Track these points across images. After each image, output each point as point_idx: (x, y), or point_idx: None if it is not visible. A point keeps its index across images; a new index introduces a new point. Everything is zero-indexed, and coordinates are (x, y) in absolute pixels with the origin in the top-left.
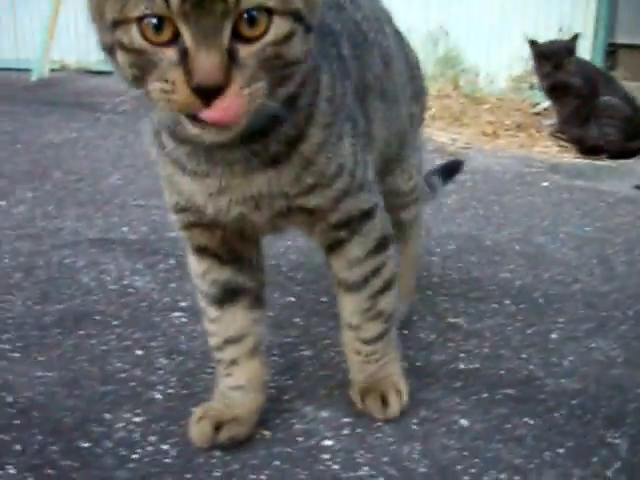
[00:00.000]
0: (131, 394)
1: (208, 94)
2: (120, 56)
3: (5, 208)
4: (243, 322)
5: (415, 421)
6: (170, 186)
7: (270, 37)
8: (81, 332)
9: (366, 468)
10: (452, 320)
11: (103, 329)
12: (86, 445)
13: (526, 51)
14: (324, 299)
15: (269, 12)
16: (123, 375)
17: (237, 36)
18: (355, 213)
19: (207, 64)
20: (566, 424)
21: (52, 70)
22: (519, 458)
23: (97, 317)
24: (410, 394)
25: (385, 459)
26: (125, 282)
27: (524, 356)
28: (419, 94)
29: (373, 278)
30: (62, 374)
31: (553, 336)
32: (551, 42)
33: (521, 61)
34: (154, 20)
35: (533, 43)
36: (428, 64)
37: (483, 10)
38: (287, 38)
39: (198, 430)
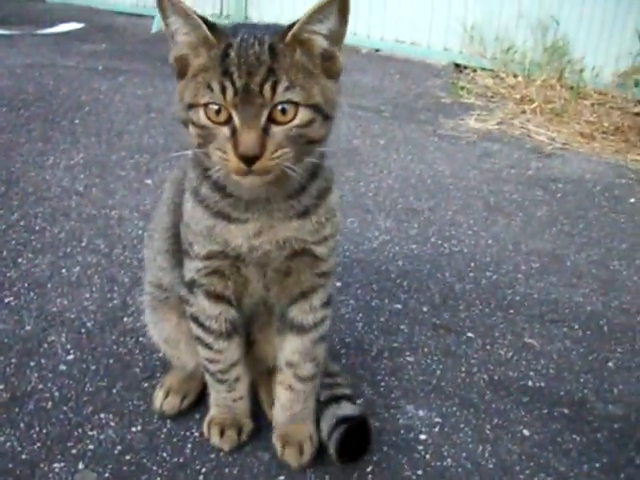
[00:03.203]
0: None
1: (249, 160)
2: (191, 128)
3: (152, 188)
4: (239, 348)
5: (489, 427)
6: (206, 237)
7: (296, 122)
8: None
9: (449, 460)
10: (528, 340)
11: None
12: None
13: (635, 47)
14: (425, 309)
15: (296, 104)
16: None
17: (272, 120)
18: (331, 267)
19: (248, 140)
20: (605, 443)
21: None
22: (563, 466)
23: None
24: (488, 403)
25: (464, 454)
26: None
27: (582, 380)
28: None
29: (320, 325)
30: None
31: (610, 364)
32: None
33: (629, 57)
34: (215, 107)
35: None
36: (536, 52)
37: (597, 1)
38: (309, 123)
39: (228, 439)
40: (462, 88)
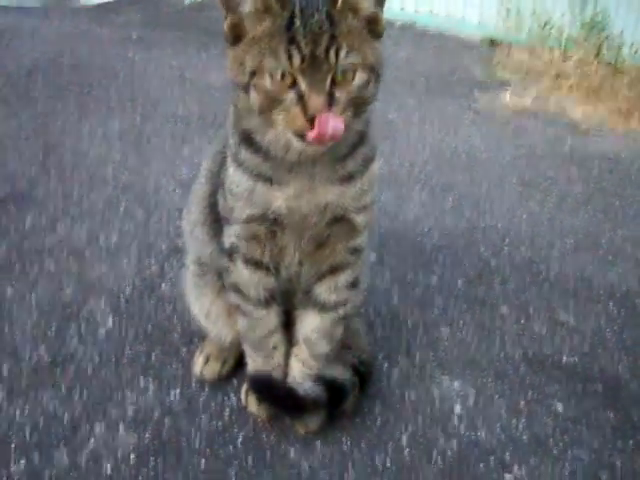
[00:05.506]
0: None
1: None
2: (254, 93)
3: (187, 157)
4: (277, 317)
5: (523, 400)
6: (246, 199)
7: (355, 83)
8: None
9: (483, 431)
10: (562, 317)
11: None
12: None
13: None
14: (460, 282)
15: (354, 67)
16: None
17: (334, 83)
18: (363, 243)
19: (317, 103)
20: (639, 421)
21: None
22: (597, 442)
23: None
24: (522, 377)
25: (498, 426)
26: None
27: (616, 358)
28: None
29: (342, 306)
30: None
31: None
32: None
33: None
34: (279, 72)
35: None
36: (573, 27)
37: None
38: (366, 84)
39: (265, 407)
40: (497, 63)
